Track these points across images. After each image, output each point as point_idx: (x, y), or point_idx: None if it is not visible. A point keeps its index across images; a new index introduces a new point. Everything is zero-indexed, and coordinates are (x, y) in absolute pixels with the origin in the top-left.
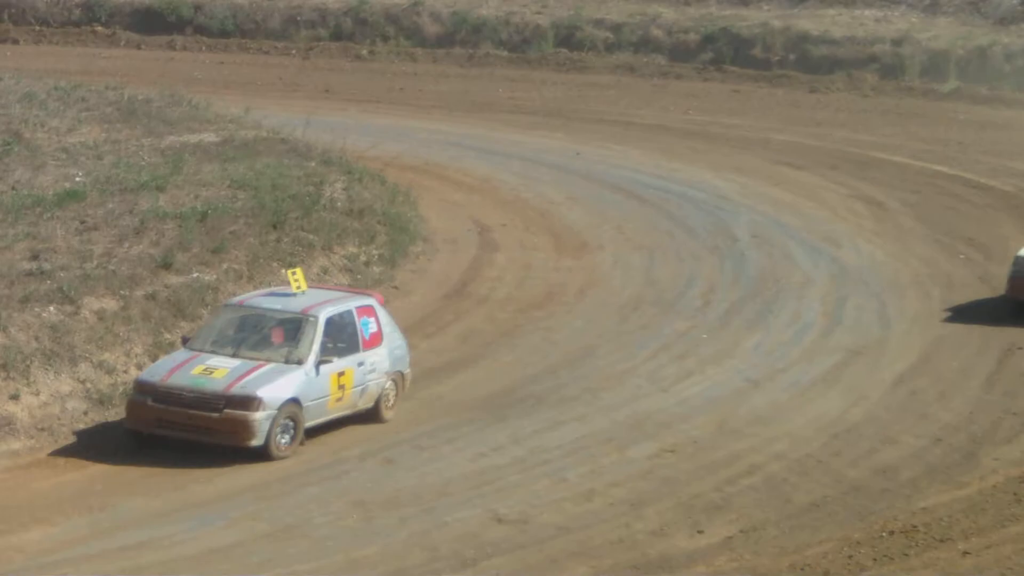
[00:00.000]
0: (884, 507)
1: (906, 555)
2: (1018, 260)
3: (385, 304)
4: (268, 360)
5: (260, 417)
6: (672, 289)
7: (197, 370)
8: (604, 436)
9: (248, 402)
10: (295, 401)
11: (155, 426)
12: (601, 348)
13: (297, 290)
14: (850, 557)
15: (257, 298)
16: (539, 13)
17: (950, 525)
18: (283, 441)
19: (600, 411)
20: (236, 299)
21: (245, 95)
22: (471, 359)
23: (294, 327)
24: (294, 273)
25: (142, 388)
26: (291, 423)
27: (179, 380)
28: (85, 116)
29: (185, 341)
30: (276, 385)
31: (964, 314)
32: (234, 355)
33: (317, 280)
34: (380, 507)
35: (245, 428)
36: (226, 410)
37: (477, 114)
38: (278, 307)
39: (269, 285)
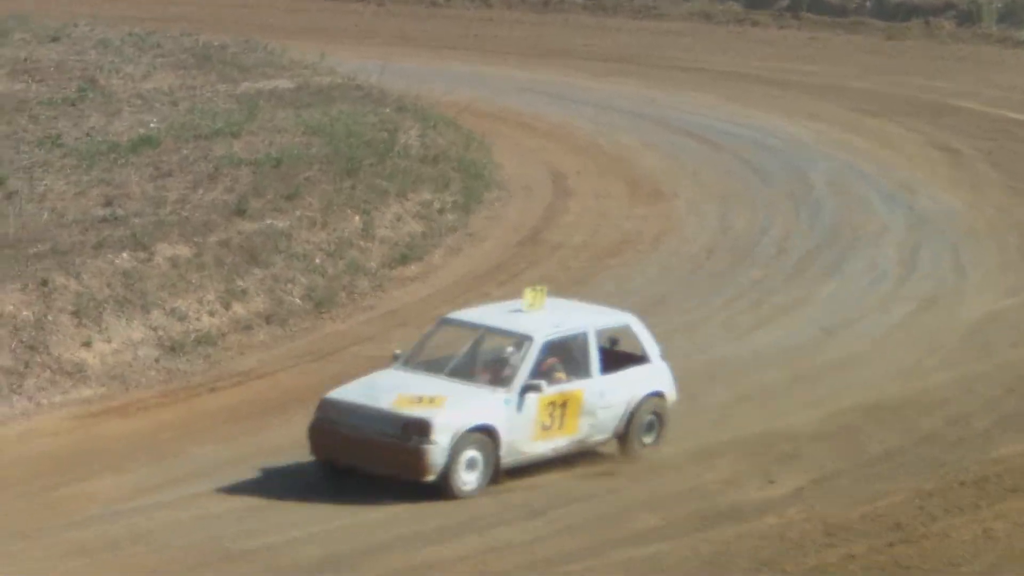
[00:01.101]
0: (956, 457)
1: (977, 506)
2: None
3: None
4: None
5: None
6: (747, 237)
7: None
8: (679, 384)
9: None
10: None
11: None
12: (675, 296)
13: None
14: (921, 508)
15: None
16: None
17: (1022, 475)
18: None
19: (674, 359)
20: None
21: (320, 41)
22: None
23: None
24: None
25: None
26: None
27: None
28: (160, 62)
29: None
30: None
31: None
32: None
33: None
34: None
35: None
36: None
37: (552, 60)
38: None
39: (343, 232)
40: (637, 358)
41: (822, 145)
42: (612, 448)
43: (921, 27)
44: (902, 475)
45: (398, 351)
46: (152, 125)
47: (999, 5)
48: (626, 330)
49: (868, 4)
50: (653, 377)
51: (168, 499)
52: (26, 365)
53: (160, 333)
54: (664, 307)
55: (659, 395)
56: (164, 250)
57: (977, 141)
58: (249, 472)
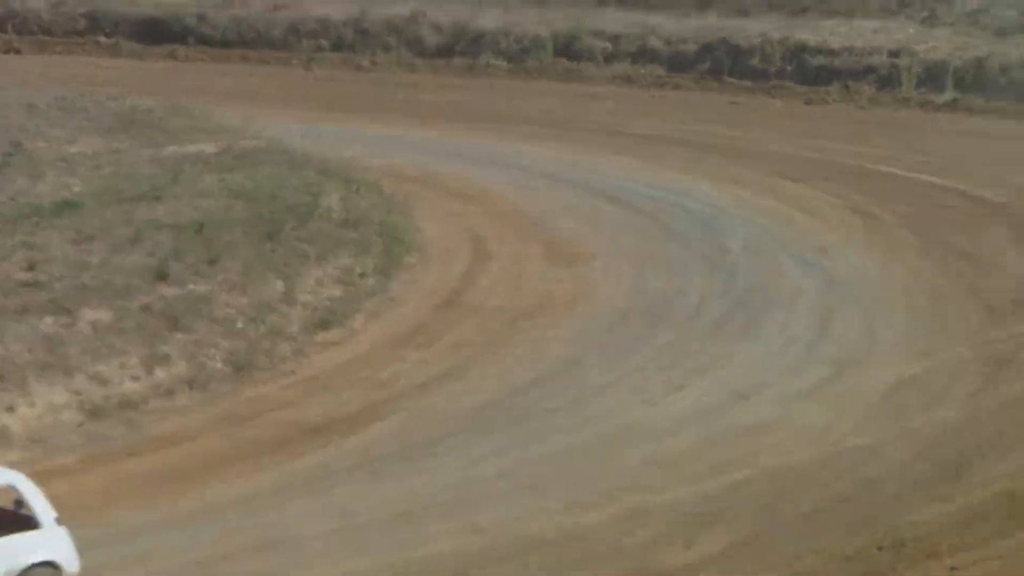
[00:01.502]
0: (872, 521)
1: (894, 570)
2: None
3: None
4: None
5: None
6: (662, 300)
7: None
8: (589, 448)
9: None
10: None
11: None
12: (590, 359)
13: None
14: (839, 572)
15: None
16: (539, 23)
17: (938, 540)
18: None
19: (586, 423)
20: None
21: (246, 105)
22: (460, 371)
23: None
24: None
25: None
26: None
27: None
28: (86, 126)
29: None
30: None
31: (953, 326)
32: None
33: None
34: (368, 519)
35: None
36: None
37: (476, 124)
38: None
39: (265, 296)
40: (25, 522)
41: (740, 209)
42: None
43: (841, 91)
44: (819, 538)
45: None
46: (76, 189)
47: (919, 70)
48: (9, 490)
49: (789, 68)
50: (43, 545)
51: (87, 564)
52: None
53: (83, 397)
54: (579, 369)
55: (50, 565)
56: (87, 315)
57: (895, 205)
58: (168, 536)
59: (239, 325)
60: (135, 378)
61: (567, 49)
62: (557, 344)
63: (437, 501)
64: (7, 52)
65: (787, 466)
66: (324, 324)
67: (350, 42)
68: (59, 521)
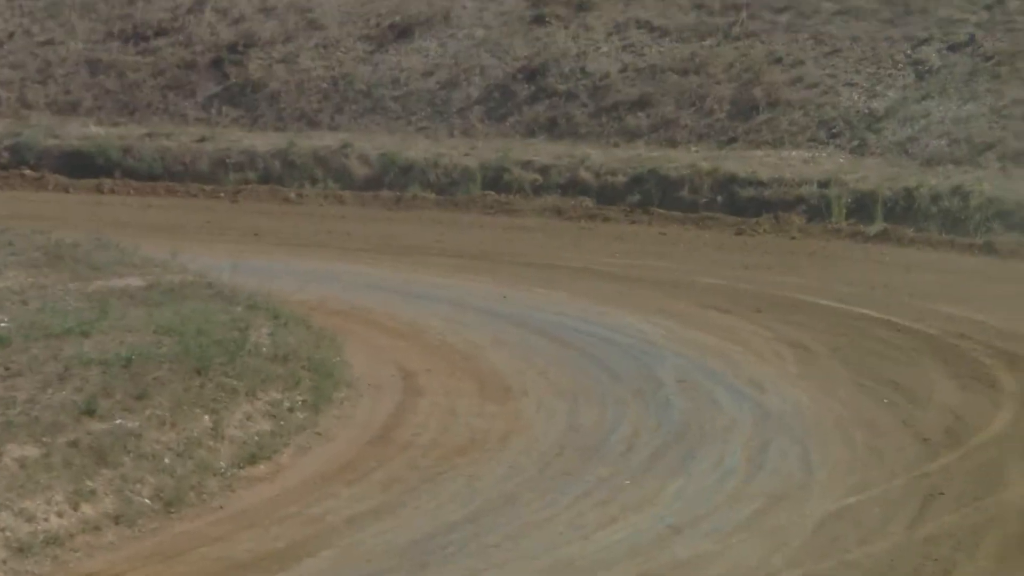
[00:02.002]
0: None
1: None
2: None
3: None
4: None
5: None
6: (595, 435)
7: None
8: None
9: None
10: None
11: None
12: (523, 495)
13: None
14: None
15: None
16: (467, 155)
17: None
18: None
19: (521, 558)
20: None
21: (173, 238)
22: (392, 507)
23: None
24: None
25: None
26: None
27: None
28: (11, 260)
29: None
30: None
31: (887, 459)
32: None
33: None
34: None
35: None
36: None
37: (405, 257)
38: None
39: (193, 431)
40: None
41: (671, 342)
42: None
43: (771, 222)
44: None
45: None
46: (2, 325)
47: (848, 200)
48: None
49: (719, 199)
50: None
51: None
52: None
53: (7, 534)
54: (513, 506)
55: None
56: (12, 451)
57: (826, 337)
58: None
59: (167, 460)
60: (61, 514)
61: (496, 181)
62: (491, 480)
63: None
64: None
65: None
66: (253, 459)
67: (277, 174)
68: None
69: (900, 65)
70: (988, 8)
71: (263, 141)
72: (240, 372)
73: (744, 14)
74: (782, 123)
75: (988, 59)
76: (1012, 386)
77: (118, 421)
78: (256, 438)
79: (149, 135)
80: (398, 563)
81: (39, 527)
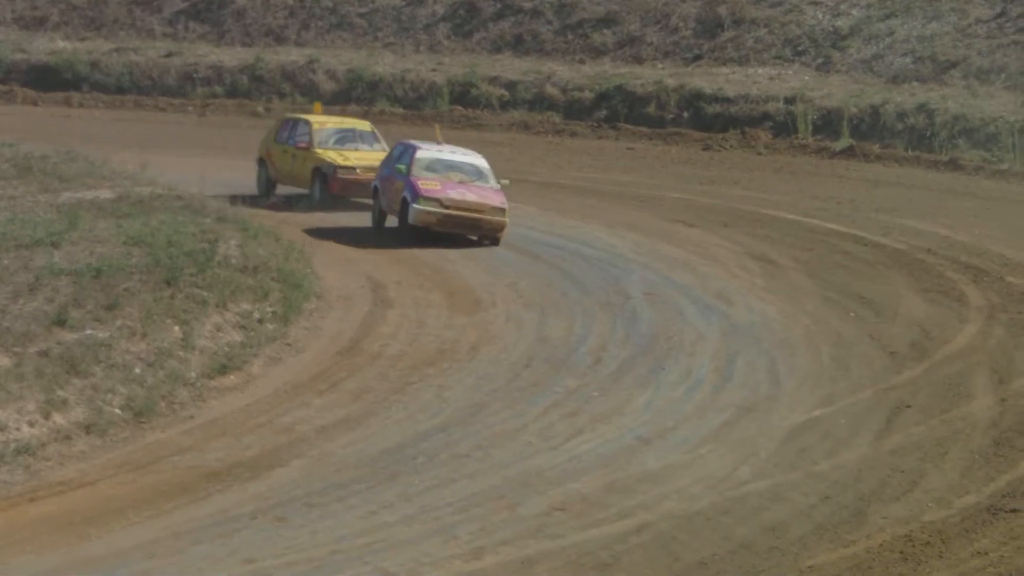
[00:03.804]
0: (772, 565)
1: None
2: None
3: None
4: None
5: None
6: (564, 346)
7: None
8: (494, 494)
9: None
10: None
11: None
12: (492, 405)
13: None
14: None
15: None
16: (434, 70)
17: None
18: None
19: (491, 468)
20: None
21: (141, 152)
22: (363, 416)
23: None
24: None
25: None
26: None
27: None
28: None
29: None
30: None
31: (853, 372)
32: None
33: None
34: (271, 565)
35: None
36: None
37: None
38: None
39: (163, 342)
40: None
41: (640, 255)
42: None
43: (738, 137)
44: None
45: None
46: None
47: (815, 116)
48: None
49: (685, 115)
50: None
51: None
52: None
53: None
54: (481, 416)
55: None
56: None
57: (793, 251)
58: None
59: (137, 370)
60: (32, 423)
61: (463, 96)
62: (460, 390)
63: (343, 547)
64: None
65: (690, 511)
66: (223, 369)
67: (245, 89)
68: None
69: None
70: None
71: (230, 56)
72: (210, 283)
73: None
74: (747, 41)
75: None
76: (978, 300)
77: (88, 331)
78: (226, 348)
79: (116, 50)
80: (369, 472)
81: (10, 436)
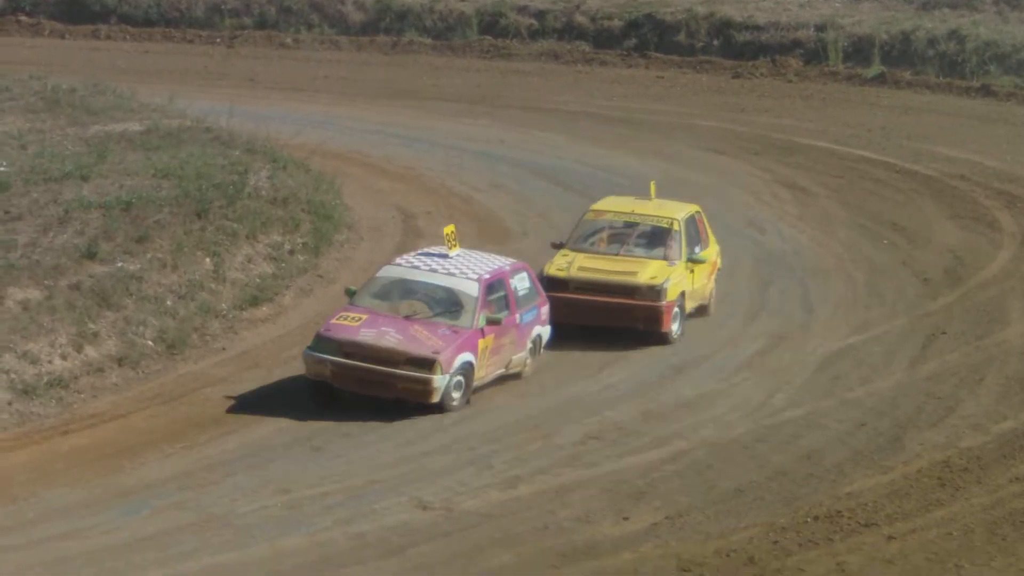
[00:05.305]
0: (809, 492)
1: (831, 540)
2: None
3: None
4: None
5: None
6: None
7: None
8: (530, 423)
9: None
10: None
11: None
12: None
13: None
14: (775, 543)
15: None
16: (463, 0)
17: (875, 510)
18: None
19: (525, 398)
20: None
21: (169, 84)
22: None
23: None
24: None
25: None
26: None
27: None
28: (9, 106)
29: None
30: None
31: (887, 299)
32: None
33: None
34: (306, 495)
35: None
36: None
37: (401, 101)
38: None
39: (194, 274)
40: None
41: (671, 184)
42: (466, 486)
43: (768, 65)
44: (755, 511)
45: None
46: (1, 168)
47: (845, 44)
48: None
49: (715, 43)
50: None
51: (19, 542)
52: None
53: (12, 376)
54: None
55: None
56: (15, 294)
57: (824, 178)
58: (102, 514)
59: (169, 303)
60: (64, 356)
61: (492, 26)
62: None
63: (379, 476)
64: None
65: (726, 439)
66: (254, 301)
67: (273, 20)
68: None
69: None
70: None
71: None
72: (240, 215)
73: None
74: None
75: None
76: (1011, 226)
77: (119, 264)
78: (257, 280)
79: None
80: (402, 402)
81: (43, 369)
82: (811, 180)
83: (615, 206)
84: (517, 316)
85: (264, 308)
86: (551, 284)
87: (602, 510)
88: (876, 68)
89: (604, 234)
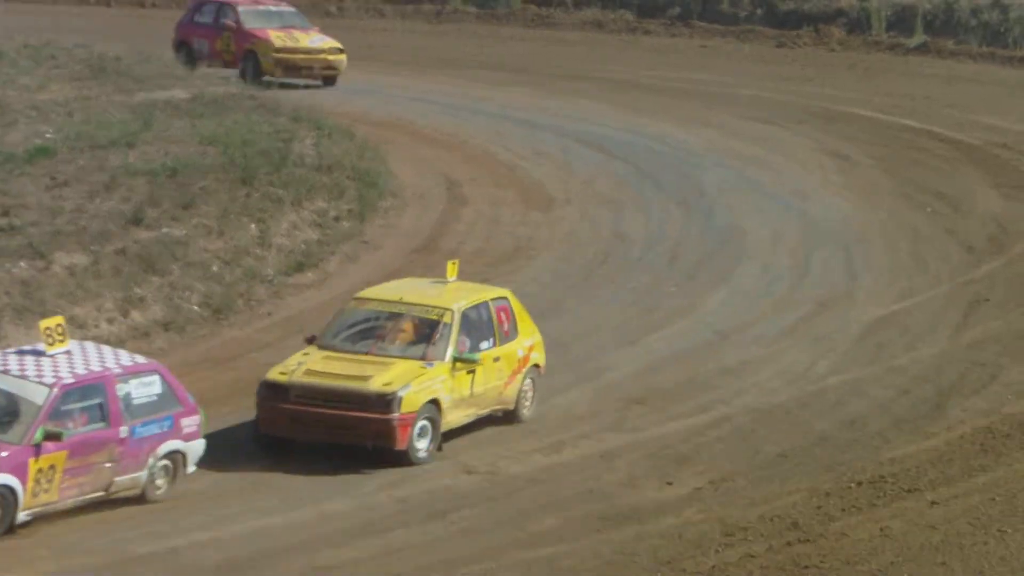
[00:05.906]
0: (852, 458)
1: (874, 505)
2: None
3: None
4: None
5: None
6: (640, 243)
7: None
8: (575, 389)
9: None
10: None
11: None
12: (569, 302)
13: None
14: (819, 508)
15: None
16: None
17: (918, 476)
18: None
19: (571, 364)
20: None
21: None
22: None
23: None
24: None
25: None
26: None
27: None
28: (55, 74)
29: None
30: None
31: (930, 267)
32: None
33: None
34: (349, 459)
35: None
36: None
37: (445, 70)
38: None
39: (240, 240)
40: None
41: (714, 152)
42: (511, 450)
43: (811, 35)
44: (798, 476)
45: None
46: (48, 135)
47: (888, 13)
48: None
49: (759, 12)
50: None
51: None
52: None
53: None
54: (558, 313)
55: None
56: (61, 259)
57: (868, 147)
58: None
59: (215, 268)
60: (111, 321)
61: None
62: (536, 287)
63: None
64: None
65: (769, 405)
66: (300, 266)
67: None
68: None
69: None
70: None
71: None
72: (285, 182)
73: None
74: None
75: None
76: None
77: (165, 230)
78: (303, 246)
79: None
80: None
81: (90, 334)
82: (855, 149)
83: (383, 294)
84: (124, 429)
85: (309, 274)
86: (270, 391)
87: (646, 475)
88: (919, 37)
89: (360, 328)
